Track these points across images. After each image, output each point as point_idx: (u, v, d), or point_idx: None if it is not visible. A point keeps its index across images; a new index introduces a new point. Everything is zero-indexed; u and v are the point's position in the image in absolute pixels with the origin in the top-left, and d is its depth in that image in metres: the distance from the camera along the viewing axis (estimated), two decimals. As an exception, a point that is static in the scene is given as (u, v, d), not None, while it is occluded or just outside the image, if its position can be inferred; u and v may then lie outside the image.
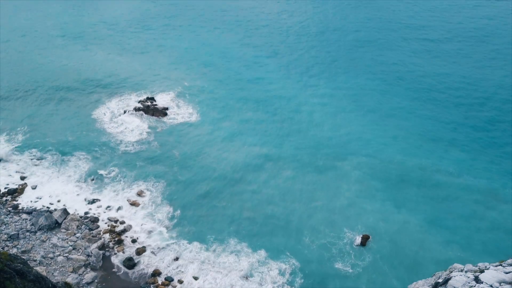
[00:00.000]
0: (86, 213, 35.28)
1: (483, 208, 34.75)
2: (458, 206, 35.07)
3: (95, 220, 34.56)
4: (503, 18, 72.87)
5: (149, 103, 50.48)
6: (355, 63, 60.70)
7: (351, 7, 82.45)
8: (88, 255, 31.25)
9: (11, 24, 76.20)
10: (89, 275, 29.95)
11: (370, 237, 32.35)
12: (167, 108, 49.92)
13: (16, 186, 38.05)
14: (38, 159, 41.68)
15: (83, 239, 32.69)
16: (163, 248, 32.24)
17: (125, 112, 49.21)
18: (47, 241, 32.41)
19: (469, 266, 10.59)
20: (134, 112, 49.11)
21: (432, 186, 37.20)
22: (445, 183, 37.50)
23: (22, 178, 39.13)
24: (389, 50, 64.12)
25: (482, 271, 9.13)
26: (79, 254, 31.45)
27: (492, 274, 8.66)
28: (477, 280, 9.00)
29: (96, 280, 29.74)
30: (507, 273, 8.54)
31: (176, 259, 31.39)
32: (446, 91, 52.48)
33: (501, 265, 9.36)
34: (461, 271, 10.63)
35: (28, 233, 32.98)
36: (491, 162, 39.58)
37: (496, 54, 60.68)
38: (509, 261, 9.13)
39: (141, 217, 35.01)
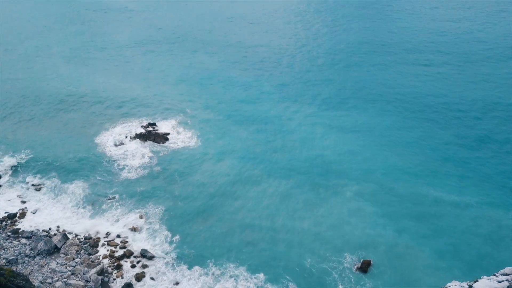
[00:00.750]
0: (86, 237, 35.36)
1: (486, 230, 34.81)
2: (461, 229, 35.12)
3: (95, 245, 34.59)
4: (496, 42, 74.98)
5: (150, 129, 51.36)
6: (352, 86, 62.05)
7: (347, 31, 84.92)
8: (87, 281, 31.10)
9: (17, 47, 78.32)
10: (87, 301, 29.76)
11: (372, 262, 32.29)
12: (168, 133, 50.73)
13: (17, 211, 38.30)
14: (39, 184, 42.10)
15: (82, 264, 32.63)
16: (162, 273, 32.15)
17: (126, 137, 49.98)
18: (46, 266, 32.33)
19: (465, 283, 10.87)
20: (136, 137, 49.85)
21: (433, 210, 37.34)
22: (446, 206, 37.66)
23: (23, 202, 39.45)
24: (386, 72, 65.60)
25: (476, 281, 9.47)
26: (77, 279, 31.31)
27: (485, 283, 8.99)
28: (471, 288, 9.33)
29: (94, 306, 29.52)
30: (500, 282, 8.86)
31: (176, 284, 31.23)
32: (443, 112, 53.41)
33: (494, 275, 9.69)
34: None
35: (27, 258, 32.95)
36: (491, 184, 39.92)
37: (490, 77, 62.09)
38: (501, 271, 9.46)
39: (141, 242, 35.04)
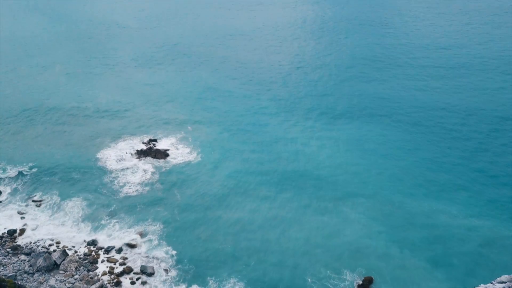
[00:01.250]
0: (85, 254, 35.30)
1: (487, 248, 34.78)
2: (461, 246, 35.10)
3: (94, 261, 34.53)
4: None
5: (151, 145, 51.85)
6: (348, 100, 62.77)
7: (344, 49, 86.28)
8: (86, 297, 30.99)
9: (21, 64, 79.49)
10: (86, 318, 29.57)
11: (373, 279, 32.18)
12: (168, 149, 51.10)
13: (16, 227, 38.36)
14: (39, 200, 42.26)
15: (81, 281, 32.52)
16: (162, 290, 32.02)
17: (128, 153, 50.36)
18: (45, 283, 32.22)
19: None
20: (137, 153, 50.26)
21: (434, 226, 37.37)
22: (446, 222, 37.71)
23: (23, 219, 39.52)
24: (385, 88, 66.38)
25: (473, 289, 9.64)
26: (76, 296, 31.19)
27: (482, 291, 9.23)
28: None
29: (93, 323, 29.31)
30: (496, 290, 9.10)
31: (175, 301, 31.10)
32: (443, 130, 53.89)
33: (491, 283, 9.89)
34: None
35: (26, 275, 32.87)
36: (491, 201, 40.07)
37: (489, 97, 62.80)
38: (498, 279, 9.64)
39: (140, 258, 35.00)
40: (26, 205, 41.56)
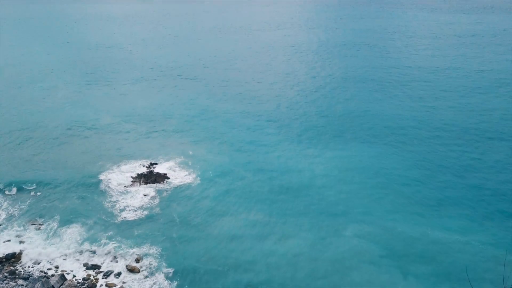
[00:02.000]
0: (84, 278, 35.10)
1: (491, 274, 34.63)
2: (468, 272, 34.94)
3: (93, 286, 34.30)
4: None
5: (152, 168, 52.30)
6: (348, 122, 63.61)
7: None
8: (84, 323, 30.65)
9: (23, 89, 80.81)
10: None
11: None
12: (169, 173, 51.54)
13: (14, 251, 38.25)
14: (39, 223, 42.31)
15: (79, 306, 32.23)
16: (161, 316, 31.69)
17: (128, 177, 50.75)
18: (42, 308, 31.94)
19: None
20: (137, 177, 50.64)
21: (437, 253, 37.31)
22: (450, 248, 37.68)
23: (21, 243, 39.47)
24: (381, 107, 67.36)
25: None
26: (74, 322, 30.85)
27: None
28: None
29: None
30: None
31: (175, 327, 30.73)
32: (440, 145, 54.44)
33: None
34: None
35: (23, 300, 32.62)
36: (492, 222, 40.13)
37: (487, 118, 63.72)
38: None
39: (140, 282, 34.80)
40: (25, 229, 41.57)
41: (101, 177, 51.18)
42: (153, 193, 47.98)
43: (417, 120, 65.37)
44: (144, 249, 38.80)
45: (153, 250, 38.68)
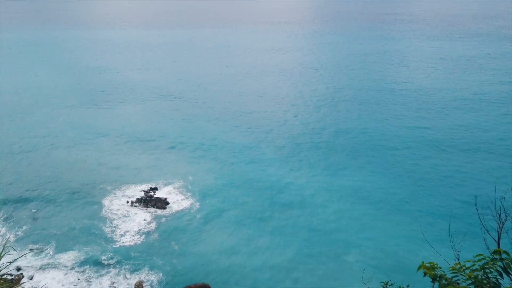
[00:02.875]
0: (81, 304, 35.13)
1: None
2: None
3: (91, 312, 34.27)
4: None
5: (151, 193, 52.74)
6: (346, 148, 64.36)
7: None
8: None
9: (25, 116, 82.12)
10: None
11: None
12: (168, 198, 51.95)
13: (12, 277, 38.30)
14: (37, 249, 42.43)
15: (76, 332, 32.08)
16: None
17: (128, 202, 51.14)
18: (39, 334, 31.81)
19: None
20: (137, 201, 51.03)
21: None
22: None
23: (18, 269, 39.53)
24: (384, 141, 68.23)
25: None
26: None
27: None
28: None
29: None
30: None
31: None
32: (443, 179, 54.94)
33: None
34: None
35: (19, 326, 32.45)
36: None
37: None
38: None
39: (138, 309, 34.74)
40: (23, 254, 41.66)
41: (102, 201, 51.56)
42: (152, 218, 48.26)
43: (411, 140, 66.24)
44: (143, 274, 38.83)
45: (153, 275, 38.69)
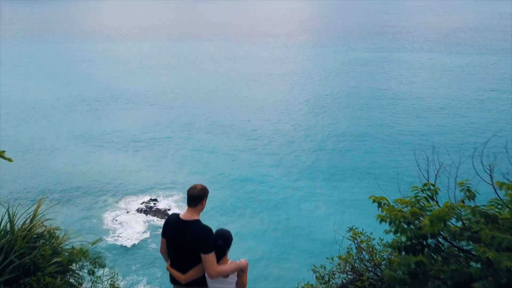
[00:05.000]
0: (78, 313, 36.45)
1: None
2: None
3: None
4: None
5: (152, 204, 54.44)
6: (347, 162, 65.67)
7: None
8: None
9: (25, 128, 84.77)
10: None
11: None
12: (169, 209, 53.58)
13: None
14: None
15: None
16: None
17: (128, 212, 52.87)
18: None
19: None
20: (136, 213, 52.73)
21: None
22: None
23: (18, 278, 41.15)
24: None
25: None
26: None
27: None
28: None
29: None
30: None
31: None
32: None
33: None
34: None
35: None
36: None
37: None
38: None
39: (135, 318, 36.04)
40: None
41: (101, 214, 53.28)
42: (151, 229, 49.83)
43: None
44: (141, 286, 40.22)
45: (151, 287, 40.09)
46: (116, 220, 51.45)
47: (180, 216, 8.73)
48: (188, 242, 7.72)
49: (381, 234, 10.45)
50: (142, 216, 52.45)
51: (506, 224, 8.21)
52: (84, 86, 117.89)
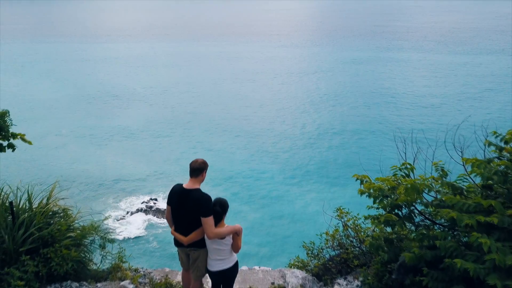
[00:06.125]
0: (80, 308, 37.66)
1: None
2: None
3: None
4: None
5: (152, 204, 55.71)
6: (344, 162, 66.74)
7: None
8: None
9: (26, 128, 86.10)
10: None
11: None
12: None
13: None
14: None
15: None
16: None
17: (128, 212, 54.14)
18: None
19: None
20: (136, 211, 54.02)
21: None
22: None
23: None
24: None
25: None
26: None
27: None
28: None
29: None
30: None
31: None
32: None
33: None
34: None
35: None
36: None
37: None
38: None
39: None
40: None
41: (102, 214, 54.47)
42: (151, 228, 51.09)
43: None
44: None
45: None
46: (116, 220, 52.69)
47: (183, 185, 10.13)
48: (190, 208, 9.03)
49: (366, 214, 11.72)
50: (142, 215, 53.68)
51: (469, 195, 9.56)
52: (84, 85, 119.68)
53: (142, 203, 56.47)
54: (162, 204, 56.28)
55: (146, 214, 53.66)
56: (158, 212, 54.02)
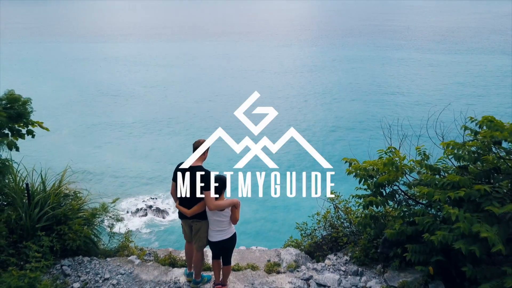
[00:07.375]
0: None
1: None
2: None
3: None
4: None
5: (152, 203, 56.85)
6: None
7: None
8: None
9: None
10: None
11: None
12: (169, 208, 56.01)
13: None
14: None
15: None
16: None
17: (128, 212, 55.25)
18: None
19: None
20: (136, 211, 55.14)
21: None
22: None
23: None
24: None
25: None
26: None
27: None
28: None
29: None
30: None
31: None
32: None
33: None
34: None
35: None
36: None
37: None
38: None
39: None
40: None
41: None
42: (151, 228, 52.21)
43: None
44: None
45: None
46: (116, 219, 53.80)
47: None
48: (193, 183, 10.29)
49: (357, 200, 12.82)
50: (142, 215, 54.79)
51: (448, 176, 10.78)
52: (84, 85, 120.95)
53: (142, 202, 57.61)
54: (162, 204, 57.47)
55: (146, 214, 54.78)
56: (158, 211, 55.13)
